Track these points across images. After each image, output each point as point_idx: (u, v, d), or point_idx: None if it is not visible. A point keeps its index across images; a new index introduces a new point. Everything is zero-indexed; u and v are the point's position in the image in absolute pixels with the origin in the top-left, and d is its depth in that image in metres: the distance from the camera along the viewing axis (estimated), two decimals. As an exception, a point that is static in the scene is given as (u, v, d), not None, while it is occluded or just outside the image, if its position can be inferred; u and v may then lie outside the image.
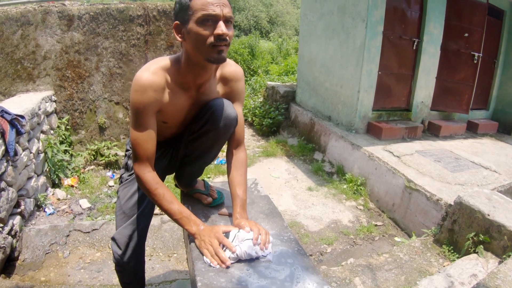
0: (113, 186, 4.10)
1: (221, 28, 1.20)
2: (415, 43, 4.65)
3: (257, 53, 10.11)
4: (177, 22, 1.27)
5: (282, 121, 6.03)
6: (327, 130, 4.83)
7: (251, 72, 9.48)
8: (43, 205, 3.44)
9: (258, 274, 1.19)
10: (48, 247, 2.89)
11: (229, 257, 1.23)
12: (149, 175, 1.34)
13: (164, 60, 1.35)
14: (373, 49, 4.33)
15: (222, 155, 4.70)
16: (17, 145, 2.97)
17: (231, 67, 1.48)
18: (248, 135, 6.08)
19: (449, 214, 2.63)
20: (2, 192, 2.65)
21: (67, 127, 4.50)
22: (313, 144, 5.12)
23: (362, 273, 2.30)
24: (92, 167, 4.50)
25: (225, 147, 1.60)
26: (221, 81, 1.48)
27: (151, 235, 3.02)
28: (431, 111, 5.07)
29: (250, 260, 1.25)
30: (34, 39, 4.19)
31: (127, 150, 1.70)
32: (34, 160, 3.43)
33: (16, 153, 2.90)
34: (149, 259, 2.82)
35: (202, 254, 1.27)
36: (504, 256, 2.17)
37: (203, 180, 1.78)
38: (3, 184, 2.68)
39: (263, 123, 6.00)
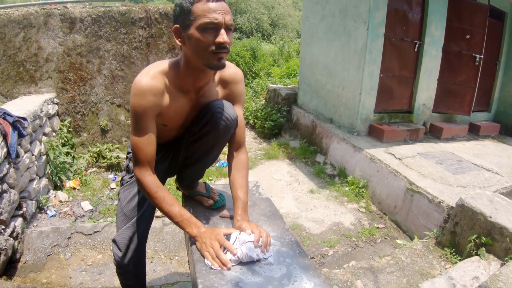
0: (114, 188, 4.11)
1: (223, 36, 1.20)
2: (417, 45, 4.64)
3: (259, 56, 10.12)
4: (177, 26, 1.27)
5: (283, 124, 6.03)
6: (328, 132, 4.83)
7: (253, 75, 9.49)
8: (45, 207, 3.45)
9: (258, 276, 1.19)
10: (49, 249, 2.89)
11: (230, 259, 1.22)
12: (149, 178, 1.34)
13: (163, 64, 1.36)
14: (375, 51, 4.33)
15: (223, 157, 4.71)
16: (19, 147, 2.98)
17: (230, 70, 1.48)
18: (249, 138, 6.08)
19: (451, 216, 2.62)
20: (4, 194, 2.66)
21: (69, 129, 4.51)
22: (315, 146, 5.12)
23: (364, 275, 2.30)
24: (94, 169, 4.51)
25: (226, 149, 1.60)
26: (221, 83, 1.49)
27: (153, 238, 3.02)
28: (433, 113, 5.06)
29: (251, 263, 1.25)
30: (36, 41, 4.20)
31: (128, 153, 1.71)
32: (36, 162, 3.44)
33: (18, 155, 2.91)
34: (151, 262, 2.82)
35: (203, 257, 1.27)
36: (506, 258, 2.16)
37: (204, 182, 1.78)
38: (5, 186, 2.68)
39: (265, 125, 5.99)
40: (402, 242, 3.05)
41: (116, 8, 4.40)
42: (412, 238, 3.07)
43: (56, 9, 4.23)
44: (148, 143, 1.33)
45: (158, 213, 3.48)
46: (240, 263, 1.24)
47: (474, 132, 5.30)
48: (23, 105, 3.63)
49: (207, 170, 1.94)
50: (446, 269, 2.33)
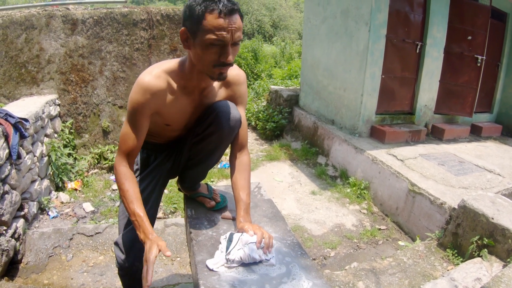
0: (116, 189, 4.11)
1: (228, 56, 1.21)
2: (418, 46, 4.64)
3: (260, 57, 10.14)
4: (184, 28, 1.25)
5: (285, 125, 6.03)
6: (330, 133, 4.83)
7: (255, 76, 9.50)
8: (46, 208, 3.45)
9: (260, 278, 1.19)
10: (51, 250, 2.89)
11: (233, 260, 1.22)
12: (123, 169, 1.37)
13: (168, 63, 1.37)
14: (377, 53, 4.33)
15: (225, 159, 4.71)
16: (20, 148, 2.99)
17: (233, 71, 1.48)
18: (251, 139, 6.08)
19: (453, 217, 2.62)
20: (6, 195, 2.66)
21: (71, 130, 4.51)
22: (317, 148, 5.12)
23: (366, 277, 2.29)
24: (96, 170, 4.51)
25: (228, 150, 1.60)
26: (224, 84, 1.49)
27: (154, 239, 3.02)
28: (435, 114, 5.06)
29: (253, 264, 1.25)
30: (38, 43, 4.22)
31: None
32: (37, 163, 3.45)
33: (19, 156, 2.92)
34: (152, 263, 2.81)
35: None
36: (508, 259, 2.15)
37: (206, 183, 1.78)
38: (6, 187, 2.69)
39: (267, 127, 5.99)
40: (404, 244, 3.04)
41: (118, 10, 4.41)
42: (414, 239, 3.07)
43: (58, 11, 4.25)
44: (135, 138, 1.36)
45: (159, 214, 3.48)
46: (243, 264, 1.24)
47: (476, 133, 5.29)
48: (25, 106, 3.64)
49: (209, 171, 1.94)
50: (448, 270, 2.32)
